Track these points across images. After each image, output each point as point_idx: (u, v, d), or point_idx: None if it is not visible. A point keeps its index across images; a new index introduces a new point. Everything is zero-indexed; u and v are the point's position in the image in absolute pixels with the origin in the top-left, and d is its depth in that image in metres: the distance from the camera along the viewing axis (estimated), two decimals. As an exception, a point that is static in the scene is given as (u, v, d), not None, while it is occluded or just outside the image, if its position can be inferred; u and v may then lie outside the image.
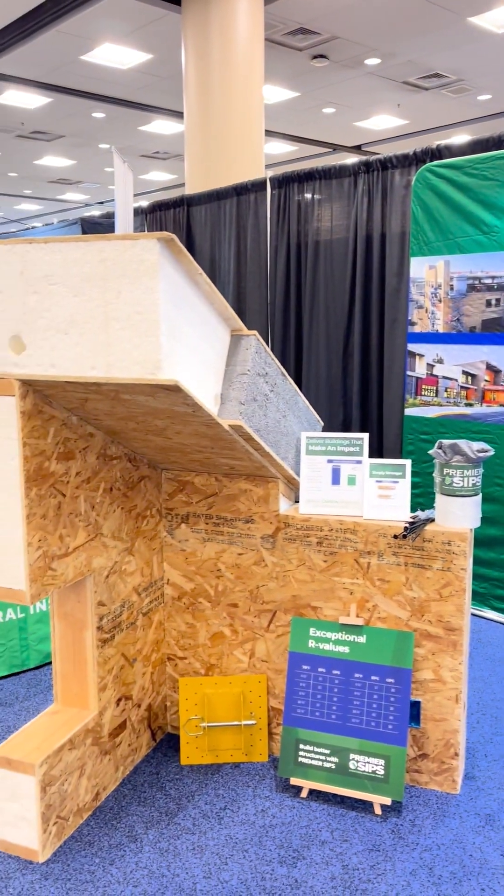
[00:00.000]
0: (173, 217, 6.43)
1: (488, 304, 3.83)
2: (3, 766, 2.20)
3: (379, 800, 2.37)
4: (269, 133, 13.12)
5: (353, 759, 2.42)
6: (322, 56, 9.61)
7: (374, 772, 2.39)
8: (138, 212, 6.77)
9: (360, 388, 5.09)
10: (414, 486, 4.18)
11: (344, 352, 5.15)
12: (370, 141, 14.28)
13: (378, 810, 2.39)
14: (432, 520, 2.47)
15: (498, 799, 2.46)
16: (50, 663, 3.51)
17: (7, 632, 3.36)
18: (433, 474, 2.52)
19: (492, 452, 2.42)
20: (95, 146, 14.44)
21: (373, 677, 2.46)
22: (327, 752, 2.45)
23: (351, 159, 5.00)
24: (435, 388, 4.07)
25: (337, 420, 5.22)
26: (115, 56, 9.57)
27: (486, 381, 3.89)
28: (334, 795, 2.48)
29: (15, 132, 13.30)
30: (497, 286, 3.79)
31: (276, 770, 2.62)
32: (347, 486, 2.55)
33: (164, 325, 1.75)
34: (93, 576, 2.35)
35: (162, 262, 1.73)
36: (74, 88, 10.92)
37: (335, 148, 14.69)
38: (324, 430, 4.92)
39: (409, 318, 4.14)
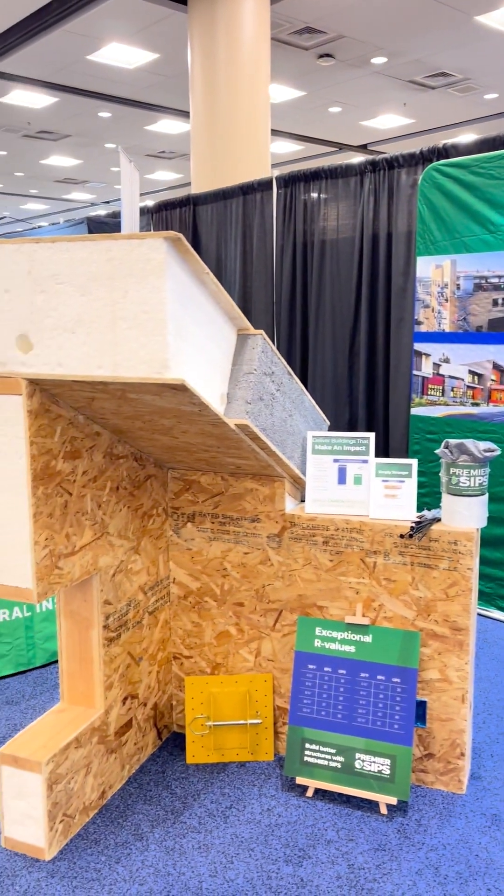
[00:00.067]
0: (179, 216, 6.44)
1: (495, 303, 3.83)
2: (10, 763, 2.20)
3: (385, 799, 2.37)
4: (274, 132, 13.12)
5: (359, 758, 2.42)
6: (328, 55, 9.60)
7: (379, 771, 2.39)
8: (144, 211, 6.78)
9: (366, 388, 5.09)
10: (420, 485, 4.17)
11: (350, 351, 5.14)
12: (376, 140, 14.26)
13: (384, 810, 2.38)
14: (438, 519, 2.47)
15: (504, 799, 2.46)
16: (56, 662, 3.52)
17: (13, 630, 3.37)
18: (439, 474, 2.52)
19: (498, 452, 2.42)
20: (101, 146, 14.46)
21: (379, 677, 2.46)
22: (333, 751, 2.45)
23: (357, 158, 4.99)
24: (441, 387, 4.07)
25: (343, 419, 5.21)
26: (122, 55, 9.58)
27: (492, 380, 3.88)
28: (340, 795, 2.48)
29: (21, 132, 13.33)
30: (504, 285, 3.79)
31: (282, 769, 2.62)
32: (353, 486, 2.55)
33: (170, 324, 1.75)
34: (99, 574, 2.36)
35: (169, 262, 1.73)
36: (81, 88, 10.94)
37: (341, 147, 14.67)
38: (330, 429, 4.92)
39: (416, 317, 4.14)
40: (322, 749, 2.46)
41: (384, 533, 2.47)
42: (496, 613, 3.98)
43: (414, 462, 2.51)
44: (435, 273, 4.02)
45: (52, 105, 11.75)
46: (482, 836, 2.28)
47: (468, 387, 3.97)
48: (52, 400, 2.05)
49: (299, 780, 2.47)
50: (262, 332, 2.20)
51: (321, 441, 2.58)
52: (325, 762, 2.45)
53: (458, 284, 3.94)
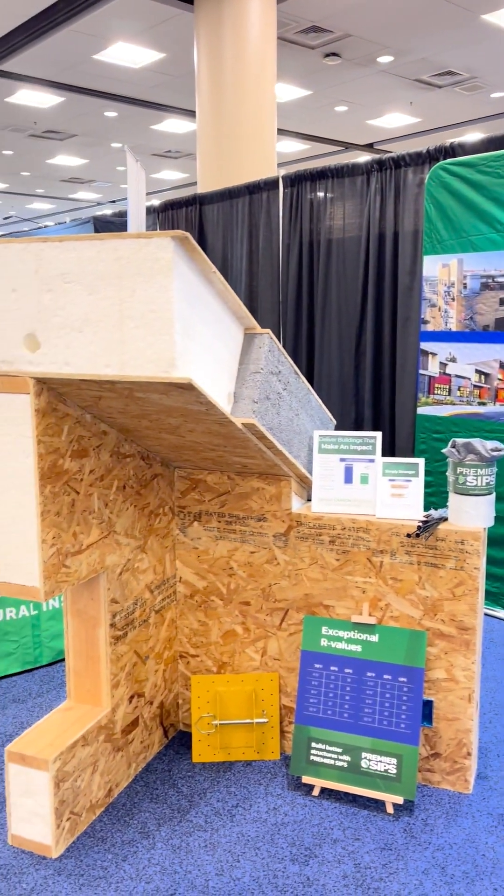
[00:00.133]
0: (185, 216, 6.44)
1: (501, 302, 3.82)
2: (17, 761, 2.21)
3: (391, 799, 2.37)
4: (281, 131, 13.11)
5: (366, 757, 2.42)
6: (334, 54, 9.58)
7: (386, 771, 2.39)
8: (150, 210, 6.78)
9: (372, 387, 5.08)
10: (426, 485, 4.17)
11: (356, 350, 5.14)
12: (382, 139, 14.24)
13: (390, 809, 2.38)
14: (445, 519, 2.46)
15: (511, 799, 2.46)
16: (62, 660, 3.53)
17: (20, 629, 3.38)
18: (447, 473, 2.52)
19: (505, 451, 2.41)
20: (107, 145, 14.48)
21: (385, 676, 2.46)
22: (339, 750, 2.45)
23: (363, 157, 4.99)
24: (448, 386, 4.06)
25: (349, 419, 5.21)
26: (128, 55, 9.59)
27: (499, 379, 3.87)
28: (346, 794, 2.48)
29: (28, 131, 13.35)
30: (511, 284, 3.78)
31: (288, 768, 2.62)
32: (360, 485, 2.55)
33: (178, 323, 1.75)
34: (106, 573, 2.36)
35: (176, 261, 1.73)
36: (87, 88, 10.95)
37: (347, 146, 14.66)
38: (336, 428, 4.92)
39: (422, 316, 4.13)
40: (328, 748, 2.46)
41: (391, 532, 2.47)
42: (503, 613, 3.97)
43: (421, 461, 2.50)
44: (441, 272, 4.02)
45: (59, 105, 11.76)
46: (489, 836, 2.28)
47: (475, 386, 3.96)
48: (60, 399, 2.05)
49: (305, 780, 2.47)
50: (268, 331, 2.20)
51: (328, 440, 2.58)
52: (332, 761, 2.45)
53: (465, 283, 3.93)
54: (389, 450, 5.05)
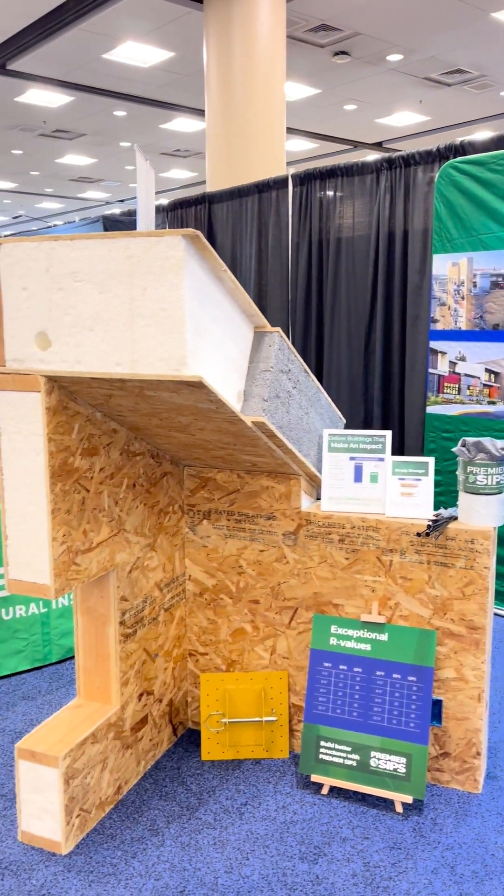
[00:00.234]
0: (194, 214, 6.44)
1: (512, 301, 3.80)
2: (27, 758, 2.22)
3: (400, 798, 2.36)
4: (290, 130, 13.10)
5: (375, 756, 2.41)
6: (344, 52, 9.57)
7: (395, 770, 2.39)
8: (159, 209, 6.79)
9: (381, 386, 5.07)
10: (435, 484, 4.16)
11: (365, 349, 5.13)
12: (392, 138, 14.21)
13: (399, 808, 2.38)
14: (455, 518, 2.46)
15: (520, 799, 2.45)
16: (71, 658, 3.54)
17: (30, 626, 3.39)
18: (457, 472, 2.51)
19: (516, 450, 2.40)
20: (116, 144, 14.50)
21: (394, 675, 2.46)
22: (348, 749, 2.45)
23: (373, 156, 4.98)
24: (457, 385, 4.05)
25: (358, 417, 5.20)
26: (137, 54, 9.60)
27: (509, 378, 3.86)
28: (355, 793, 2.48)
29: (37, 131, 13.39)
30: (521, 283, 3.76)
31: (297, 767, 2.63)
32: (370, 484, 2.54)
33: (188, 321, 1.76)
34: (116, 571, 2.37)
35: (187, 259, 1.73)
36: (96, 87, 10.97)
37: (356, 145, 14.63)
38: (345, 427, 4.92)
39: (432, 315, 4.12)
40: (337, 747, 2.46)
41: (400, 531, 2.47)
42: (512, 613, 3.96)
43: (431, 460, 2.50)
44: (451, 271, 4.01)
45: (68, 104, 11.79)
46: (498, 836, 2.28)
47: (484, 385, 3.95)
48: (70, 397, 2.06)
49: (314, 778, 2.47)
50: (278, 329, 2.20)
51: (337, 439, 2.58)
52: (341, 760, 2.45)
53: (475, 282, 3.92)
54: (398, 449, 5.04)
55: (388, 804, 2.42)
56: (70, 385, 1.99)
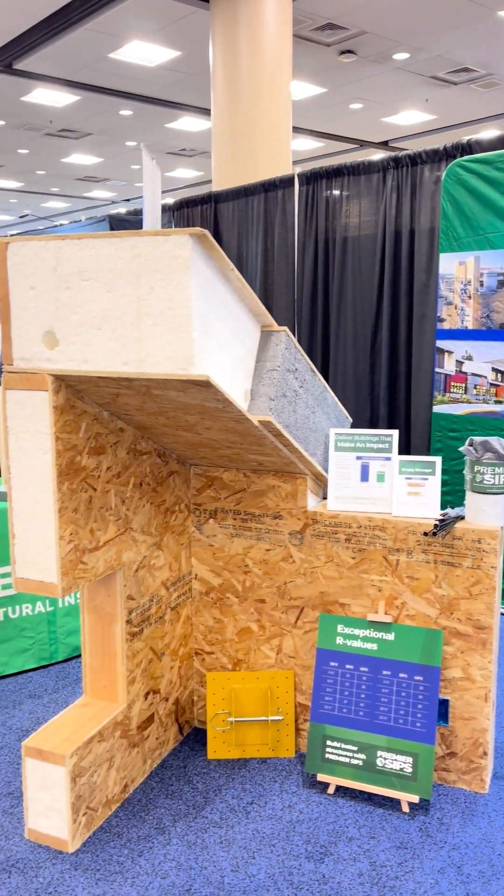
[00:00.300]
0: (200, 214, 6.44)
1: (519, 300, 3.79)
2: (35, 756, 2.23)
3: (406, 797, 2.36)
4: (295, 129, 13.08)
5: (381, 756, 2.41)
6: (350, 51, 9.55)
7: (401, 769, 2.38)
8: (165, 209, 6.80)
9: (387, 385, 5.07)
10: (442, 483, 4.15)
11: (371, 348, 5.12)
12: (398, 136, 14.18)
13: (406, 808, 2.38)
14: (462, 517, 2.45)
15: (527, 799, 2.45)
16: (78, 656, 3.55)
17: (36, 625, 3.40)
18: (464, 472, 2.51)
19: (523, 450, 2.39)
20: (122, 143, 14.51)
21: (401, 675, 2.46)
22: (355, 748, 2.44)
23: (379, 155, 4.97)
24: (464, 385, 4.04)
25: (364, 417, 5.20)
26: (143, 53, 9.60)
27: (516, 378, 3.85)
28: (361, 792, 2.48)
29: (43, 130, 13.41)
30: (528, 282, 3.75)
31: (303, 766, 2.62)
32: (376, 483, 2.54)
33: (196, 320, 1.76)
34: (122, 570, 2.37)
35: (194, 258, 1.73)
36: (102, 86, 10.98)
37: (362, 144, 14.61)
38: (351, 426, 4.91)
39: (438, 314, 4.11)
40: (344, 746, 2.46)
41: (407, 531, 2.46)
42: (518, 613, 3.95)
43: (438, 460, 2.49)
44: (458, 270, 4.00)
45: (74, 103, 11.80)
46: (505, 836, 2.27)
47: (491, 384, 3.94)
48: (78, 396, 2.06)
49: (321, 777, 2.47)
50: (285, 328, 2.20)
51: (344, 438, 2.57)
52: (347, 759, 2.45)
53: (482, 281, 3.91)
54: (405, 448, 5.04)
55: (394, 804, 2.42)
56: (77, 384, 1.99)
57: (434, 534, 2.40)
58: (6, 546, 3.30)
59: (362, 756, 2.43)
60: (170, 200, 6.79)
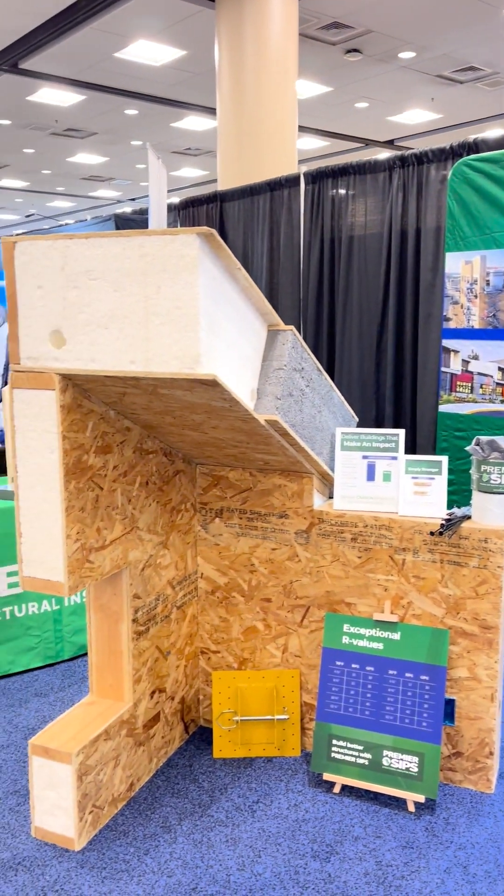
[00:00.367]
0: (206, 213, 6.44)
1: (525, 299, 3.78)
2: (41, 754, 2.23)
3: (412, 797, 2.36)
4: (301, 128, 13.07)
5: (387, 755, 2.41)
6: (356, 50, 9.53)
7: (407, 769, 2.38)
8: (170, 208, 6.79)
9: (393, 384, 5.06)
10: (448, 483, 4.14)
11: (377, 347, 5.12)
12: (403, 135, 14.15)
13: (411, 808, 2.38)
14: (469, 517, 2.45)
15: (533, 799, 2.44)
16: (83, 655, 3.56)
17: (42, 623, 3.41)
18: (470, 471, 2.50)
19: (530, 449, 2.39)
20: (128, 143, 14.51)
21: (407, 674, 2.46)
22: (360, 748, 2.44)
23: (385, 154, 4.97)
24: (470, 384, 4.03)
25: (369, 416, 5.19)
26: (149, 53, 9.60)
27: (522, 377, 3.84)
28: (367, 792, 2.48)
29: (49, 130, 13.42)
30: (534, 281, 3.74)
31: (309, 765, 2.62)
32: (383, 483, 2.54)
33: (203, 320, 1.76)
34: (129, 568, 2.37)
35: (201, 257, 1.73)
36: (108, 86, 10.98)
37: (368, 143, 14.58)
38: (357, 426, 4.91)
39: (444, 313, 4.10)
40: (349, 745, 2.46)
41: (413, 530, 2.46)
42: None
43: (444, 459, 2.49)
44: (464, 269, 3.99)
45: (80, 103, 11.81)
46: (511, 836, 2.27)
47: (497, 384, 3.93)
48: (85, 395, 2.06)
49: (326, 777, 2.47)
50: (292, 327, 2.20)
51: (350, 437, 2.57)
52: (353, 759, 2.45)
53: (488, 280, 3.90)
54: (410, 448, 5.03)
55: (400, 803, 2.42)
56: (84, 383, 1.99)
57: (440, 533, 2.40)
58: (13, 545, 3.31)
59: (368, 755, 2.43)
60: (175, 199, 6.79)
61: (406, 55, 9.77)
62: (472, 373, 4.02)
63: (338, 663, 2.54)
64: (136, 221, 7.54)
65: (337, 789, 2.47)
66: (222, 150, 7.52)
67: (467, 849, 2.22)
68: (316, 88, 11.08)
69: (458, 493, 4.14)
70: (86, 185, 19.00)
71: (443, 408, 4.16)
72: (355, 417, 2.82)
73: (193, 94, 11.36)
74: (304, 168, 5.58)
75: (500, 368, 3.92)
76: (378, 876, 2.11)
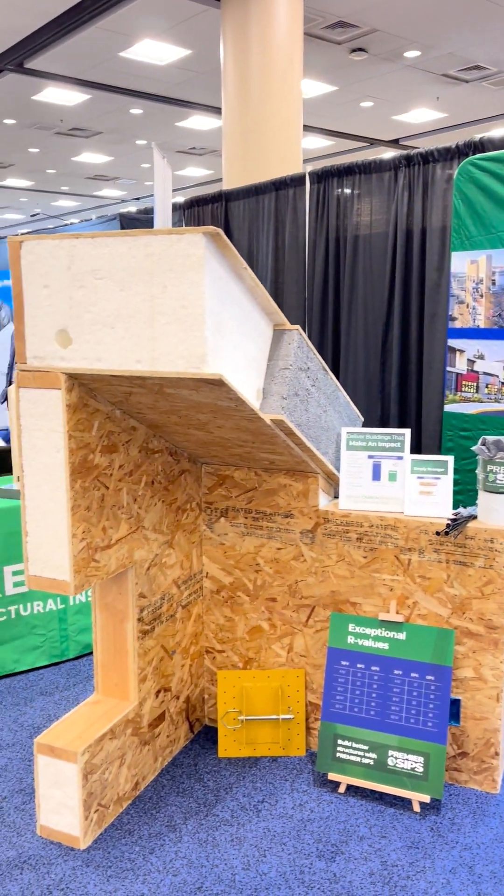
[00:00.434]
0: (211, 212, 6.44)
1: (531, 299, 3.77)
2: (47, 753, 2.23)
3: (418, 797, 2.36)
4: (306, 127, 13.06)
5: (392, 755, 2.41)
6: (361, 49, 9.52)
7: (413, 769, 2.38)
8: (175, 207, 6.80)
9: (398, 384, 5.05)
10: (453, 483, 4.13)
11: (382, 347, 5.11)
12: (408, 135, 14.13)
13: (417, 808, 2.37)
14: (474, 517, 2.44)
15: (539, 800, 2.44)
16: (89, 654, 3.56)
17: (47, 622, 3.41)
18: (476, 471, 2.50)
19: (536, 449, 2.38)
20: (132, 142, 14.52)
21: (412, 674, 2.45)
22: (366, 748, 2.44)
23: (391, 153, 4.96)
24: (475, 384, 4.02)
25: (374, 416, 5.19)
26: (154, 52, 9.60)
27: (528, 377, 3.83)
28: (372, 792, 2.48)
29: (54, 129, 13.43)
30: (540, 281, 3.73)
31: (314, 765, 2.62)
32: (388, 482, 2.54)
33: (209, 319, 1.76)
34: (134, 568, 2.38)
35: (207, 257, 1.73)
36: (113, 85, 10.98)
37: (373, 142, 14.57)
38: (363, 425, 4.90)
39: (450, 313, 4.10)
40: (355, 745, 2.46)
41: (419, 530, 2.46)
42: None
43: (450, 459, 2.49)
44: (470, 268, 3.98)
45: (85, 102, 11.82)
46: (517, 837, 2.27)
47: (502, 384, 3.93)
48: (90, 394, 2.07)
49: (331, 776, 2.47)
50: (297, 327, 2.20)
51: (356, 437, 2.57)
52: (358, 759, 2.44)
53: (494, 280, 3.90)
54: (416, 447, 5.02)
55: (405, 803, 2.42)
56: (90, 382, 1.99)
57: (446, 533, 2.39)
58: (18, 543, 3.32)
59: (373, 755, 2.43)
60: (180, 199, 6.79)
61: (411, 54, 9.76)
62: (477, 372, 4.02)
63: (343, 663, 2.54)
64: (140, 221, 7.54)
65: (342, 789, 2.47)
66: (227, 150, 7.52)
67: (473, 849, 2.21)
68: (321, 88, 11.07)
69: (464, 492, 4.14)
70: (91, 185, 19.01)
71: (448, 407, 4.15)
72: (361, 417, 2.82)
73: (198, 94, 11.36)
74: (309, 167, 5.58)
75: (505, 368, 3.91)
76: (383, 876, 2.11)
